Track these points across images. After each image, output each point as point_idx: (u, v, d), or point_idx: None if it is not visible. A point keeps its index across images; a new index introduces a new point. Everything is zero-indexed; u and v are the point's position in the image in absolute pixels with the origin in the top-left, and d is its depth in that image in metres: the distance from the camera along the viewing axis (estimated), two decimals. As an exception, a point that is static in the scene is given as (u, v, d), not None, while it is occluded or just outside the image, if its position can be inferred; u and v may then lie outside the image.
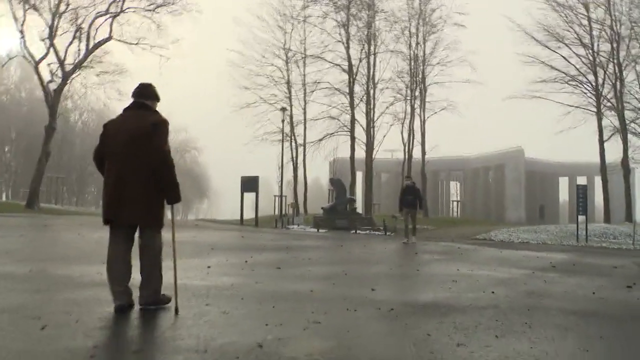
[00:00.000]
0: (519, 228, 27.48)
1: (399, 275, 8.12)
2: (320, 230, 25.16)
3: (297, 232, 21.89)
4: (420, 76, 38.88)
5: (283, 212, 33.74)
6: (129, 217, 4.61)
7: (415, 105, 38.68)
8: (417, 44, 38.87)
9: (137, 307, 4.70)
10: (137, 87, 4.92)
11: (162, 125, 4.68)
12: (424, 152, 39.45)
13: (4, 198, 60.29)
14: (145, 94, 4.88)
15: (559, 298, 6.39)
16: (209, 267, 7.72)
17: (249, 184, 27.42)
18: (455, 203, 62.42)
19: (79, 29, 26.74)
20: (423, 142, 39.28)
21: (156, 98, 4.94)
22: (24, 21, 25.72)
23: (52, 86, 26.45)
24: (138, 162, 4.55)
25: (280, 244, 13.34)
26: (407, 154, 39.26)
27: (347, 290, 6.33)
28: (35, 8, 25.48)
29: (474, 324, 4.70)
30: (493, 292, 6.54)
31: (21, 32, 25.63)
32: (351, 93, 36.32)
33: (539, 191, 56.86)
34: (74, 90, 28.54)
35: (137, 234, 4.81)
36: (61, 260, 7.68)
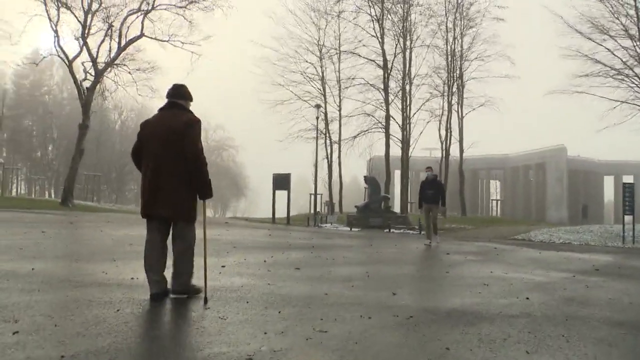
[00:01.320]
0: (560, 228, 26.38)
1: (425, 278, 7.54)
2: (353, 229, 24.62)
3: (328, 231, 21.40)
4: (457, 72, 37.90)
5: (317, 210, 33.32)
6: (163, 212, 4.87)
7: (453, 102, 37.79)
8: (455, 38, 37.93)
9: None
10: (171, 88, 5.15)
11: (194, 124, 4.88)
12: (461, 150, 38.51)
13: (46, 196, 61.75)
14: (179, 94, 5.10)
15: (603, 306, 5.71)
16: (223, 266, 7.32)
17: (281, 181, 27.05)
18: (494, 202, 61.03)
19: (110, 26, 26.86)
20: (461, 139, 38.34)
21: (189, 98, 5.16)
22: (57, 20, 25.98)
23: (86, 84, 26.62)
24: (172, 160, 4.78)
25: (306, 243, 12.88)
26: (444, 151, 38.39)
27: (365, 294, 5.81)
28: (67, 7, 25.67)
29: (503, 336, 4.13)
30: (527, 298, 5.92)
31: (55, 31, 25.90)
32: (386, 89, 35.60)
33: (582, 190, 54.98)
34: (110, 89, 28.65)
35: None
36: (70, 258, 7.40)
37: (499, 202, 60.55)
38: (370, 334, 4.08)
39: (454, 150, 38.63)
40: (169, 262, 5.02)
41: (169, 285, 4.99)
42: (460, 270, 8.55)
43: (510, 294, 6.20)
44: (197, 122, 4.93)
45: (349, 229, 24.89)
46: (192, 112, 5.08)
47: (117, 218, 18.65)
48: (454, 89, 37.65)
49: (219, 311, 4.60)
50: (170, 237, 5.04)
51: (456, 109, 37.99)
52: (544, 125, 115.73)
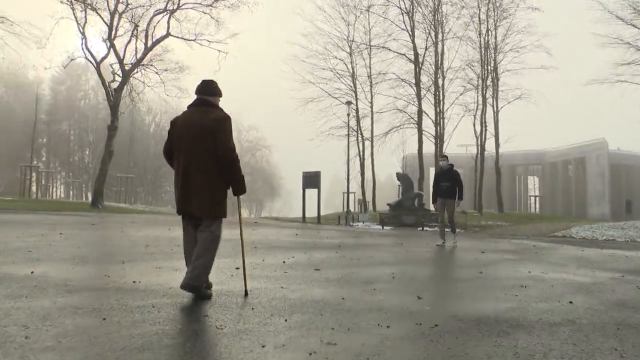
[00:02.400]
0: (603, 224, 25.20)
1: (456, 279, 6.90)
2: (385, 227, 24.00)
3: (359, 230, 20.79)
4: (491, 64, 36.76)
5: (349, 208, 32.73)
6: (195, 209, 4.85)
7: (487, 95, 36.64)
8: (488, 30, 36.76)
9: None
10: (200, 84, 5.08)
11: (224, 121, 4.83)
12: (497, 145, 37.37)
13: (83, 199, 62.73)
14: (208, 91, 5.03)
15: (659, 311, 5.01)
16: (237, 268, 6.83)
17: (311, 179, 26.53)
18: (533, 198, 59.40)
19: (136, 27, 26.78)
20: (496, 134, 37.21)
21: (219, 94, 5.09)
22: (85, 22, 26.03)
23: (113, 86, 26.62)
24: (202, 157, 4.75)
25: (333, 242, 12.33)
26: (479, 147, 37.32)
27: (387, 298, 5.23)
28: (93, 8, 25.69)
29: (543, 349, 3.52)
30: (571, 302, 5.25)
31: (82, 33, 25.95)
32: (418, 83, 34.71)
33: (626, 185, 52.89)
34: (136, 89, 28.58)
35: None
36: (77, 261, 7.01)
37: (537, 198, 58.90)
38: (386, 347, 3.51)
39: (490, 146, 37.50)
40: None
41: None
42: (495, 271, 7.87)
43: (550, 298, 5.54)
44: (227, 118, 4.88)
45: (380, 227, 24.29)
46: (221, 109, 5.01)
47: (143, 219, 18.44)
48: (489, 82, 36.54)
49: (218, 320, 4.10)
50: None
51: (491, 103, 36.87)
52: (583, 118, 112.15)
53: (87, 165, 71.30)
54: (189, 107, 5.08)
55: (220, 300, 4.84)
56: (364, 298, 5.23)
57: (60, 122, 71.91)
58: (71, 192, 71.21)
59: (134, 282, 5.59)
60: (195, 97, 5.08)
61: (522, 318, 4.49)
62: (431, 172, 39.65)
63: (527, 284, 6.41)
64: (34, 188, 40.19)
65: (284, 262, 7.86)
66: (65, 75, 70.64)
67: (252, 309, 4.53)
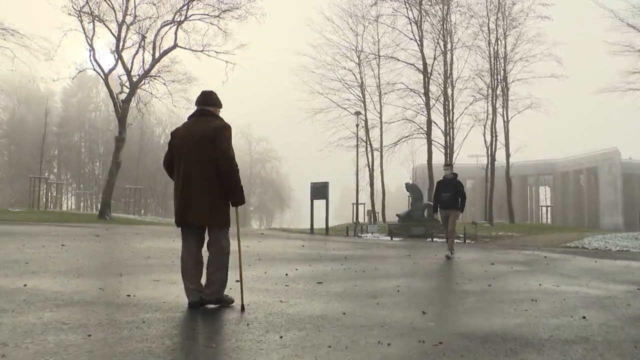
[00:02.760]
0: (616, 235, 24.76)
1: (464, 292, 6.63)
2: (394, 239, 23.69)
3: (367, 241, 20.54)
4: (501, 74, 36.48)
5: (357, 219, 32.48)
6: (196, 219, 4.82)
7: (497, 105, 36.32)
8: (497, 39, 36.51)
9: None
10: (200, 95, 5.12)
11: (224, 130, 4.83)
12: (508, 155, 36.96)
13: (94, 210, 62.90)
14: (208, 101, 5.06)
15: (678, 327, 4.73)
16: (237, 281, 6.61)
17: (319, 190, 26.33)
18: (544, 209, 58.79)
19: (143, 38, 26.82)
20: (507, 143, 36.83)
21: (219, 105, 5.12)
22: (93, 34, 26.11)
23: (121, 97, 26.63)
24: (203, 166, 4.73)
25: (339, 254, 12.09)
26: (489, 157, 36.96)
27: (390, 313, 5.00)
28: (100, 19, 25.76)
29: (554, 371, 3.26)
30: (584, 318, 4.98)
31: (90, 45, 26.02)
32: (427, 93, 34.47)
33: (639, 195, 52.20)
34: (143, 101, 28.56)
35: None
36: (73, 274, 6.83)
37: (549, 208, 58.28)
38: (385, 368, 3.28)
39: (500, 156, 37.13)
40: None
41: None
42: (505, 283, 7.61)
43: (562, 312, 5.27)
44: (227, 127, 4.89)
45: (389, 238, 23.99)
46: (221, 118, 5.03)
47: (149, 231, 18.30)
48: (499, 92, 36.23)
49: (209, 338, 3.90)
50: (205, 244, 5.02)
51: (501, 112, 36.53)
52: (595, 127, 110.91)
53: (97, 177, 71.54)
54: (189, 117, 5.09)
55: (215, 315, 4.64)
56: (366, 313, 5.00)
57: (71, 134, 72.48)
58: (82, 204, 71.49)
59: (127, 295, 5.40)
60: (195, 108, 5.11)
61: (532, 335, 4.23)
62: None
63: (537, 298, 6.15)
64: (43, 199, 40.19)
65: (286, 274, 7.65)
66: (76, 88, 71.38)
67: (248, 324, 4.31)
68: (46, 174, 60.62)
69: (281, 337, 3.94)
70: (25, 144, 64.28)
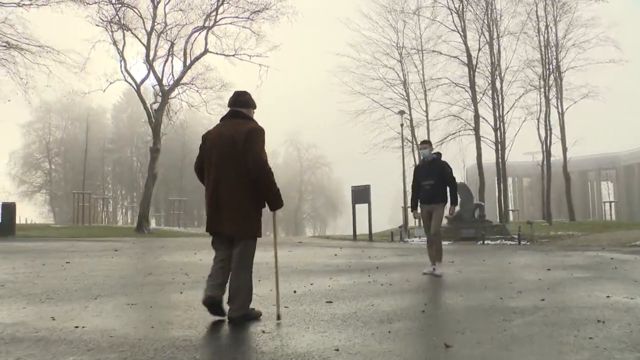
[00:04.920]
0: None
1: (509, 311, 5.20)
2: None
3: (411, 247, 19.10)
4: (553, 63, 34.22)
5: (406, 223, 30.95)
6: (227, 229, 4.56)
7: (551, 96, 34.14)
8: (547, 26, 34.29)
9: None
10: (232, 96, 4.90)
11: (257, 133, 4.57)
12: (565, 149, 34.65)
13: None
14: (240, 102, 4.82)
15: None
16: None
17: (360, 194, 25.01)
18: (607, 205, 55.41)
19: (172, 45, 26.30)
20: (563, 137, 34.52)
21: (252, 105, 4.88)
22: (124, 45, 25.76)
23: (155, 107, 26.14)
24: (234, 172, 4.49)
25: (373, 263, 10.78)
26: (544, 152, 34.75)
27: (400, 348, 3.71)
28: (127, 28, 25.35)
29: None
30: (676, 351, 3.54)
31: (121, 55, 25.66)
32: (472, 87, 32.62)
33: None
34: (174, 109, 28.04)
35: None
36: (39, 298, 5.83)
37: (612, 204, 54.89)
38: None
39: (557, 151, 34.85)
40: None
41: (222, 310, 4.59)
42: (563, 296, 6.14)
43: (643, 341, 3.84)
44: (260, 130, 4.60)
45: (437, 242, 22.43)
46: (255, 121, 4.77)
47: (179, 243, 17.48)
48: (551, 82, 33.99)
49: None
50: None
51: (555, 104, 34.31)
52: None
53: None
54: (221, 119, 4.84)
55: (181, 346, 3.46)
56: (368, 348, 3.71)
57: (123, 149, 73.87)
58: (135, 218, 72.46)
59: (75, 327, 4.33)
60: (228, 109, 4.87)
61: (600, 385, 2.86)
62: (492, 181, 37.04)
63: (605, 317, 4.71)
64: (89, 214, 40.46)
65: (294, 291, 6.43)
66: (125, 104, 72.85)
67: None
68: (101, 189, 61.75)
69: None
70: (78, 161, 65.68)
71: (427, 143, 9.28)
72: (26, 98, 26.05)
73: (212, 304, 4.47)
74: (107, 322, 4.58)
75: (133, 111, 75.77)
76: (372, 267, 9.73)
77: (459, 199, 9.51)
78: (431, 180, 8.49)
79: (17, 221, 23.45)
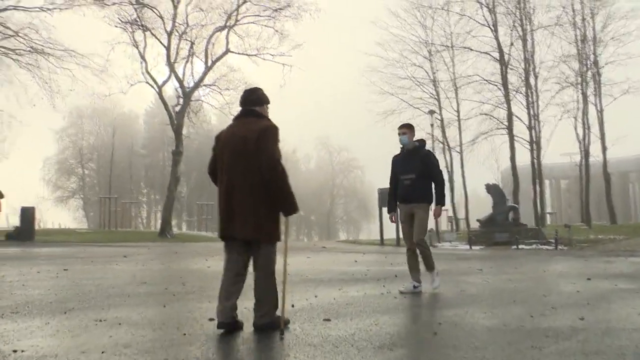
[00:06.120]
0: None
1: (540, 334, 4.31)
2: (473, 247, 21.07)
3: (440, 252, 18.07)
4: (591, 58, 32.66)
5: (438, 227, 29.85)
6: (241, 232, 4.33)
7: (588, 93, 32.59)
8: (584, 20, 32.76)
9: None
10: (243, 94, 4.72)
11: (270, 131, 4.38)
12: (604, 149, 33.07)
13: (177, 228, 63.69)
14: (253, 100, 4.62)
15: None
16: (211, 319, 4.74)
17: (386, 197, 24.06)
18: (651, 207, 53.21)
19: (192, 45, 25.89)
20: (602, 135, 32.96)
21: (265, 101, 4.66)
22: (144, 46, 25.48)
23: (177, 109, 25.76)
24: (246, 173, 4.30)
25: (392, 271, 9.91)
26: (582, 152, 33.24)
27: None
28: (147, 29, 25.03)
29: None
30: None
31: (142, 57, 25.38)
32: (505, 84, 31.36)
33: None
34: (194, 110, 27.57)
35: None
36: (7, 310, 5.21)
37: (656, 206, 52.64)
38: None
39: (596, 150, 33.28)
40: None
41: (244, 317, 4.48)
42: (606, 313, 5.20)
43: None
44: (274, 128, 4.41)
45: (468, 247, 21.38)
46: (268, 119, 4.57)
47: (196, 248, 16.94)
48: (589, 78, 32.44)
49: None
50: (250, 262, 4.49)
51: (593, 101, 32.76)
52: None
53: (179, 194, 72.72)
54: (234, 119, 4.69)
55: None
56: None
57: (155, 154, 74.43)
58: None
59: (14, 351, 3.68)
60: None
61: None
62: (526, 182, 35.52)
63: (661, 343, 3.79)
64: (118, 219, 40.48)
65: (292, 305, 5.65)
66: (157, 109, 73.37)
67: None
68: (134, 194, 62.10)
69: None
70: (113, 166, 66.37)
71: (406, 127, 7.10)
72: (51, 102, 25.98)
73: (229, 330, 4.26)
74: (54, 344, 3.89)
75: (164, 115, 76.50)
76: (390, 276, 8.89)
77: (446, 198, 7.92)
78: (411, 174, 6.74)
79: (51, 226, 23.38)
